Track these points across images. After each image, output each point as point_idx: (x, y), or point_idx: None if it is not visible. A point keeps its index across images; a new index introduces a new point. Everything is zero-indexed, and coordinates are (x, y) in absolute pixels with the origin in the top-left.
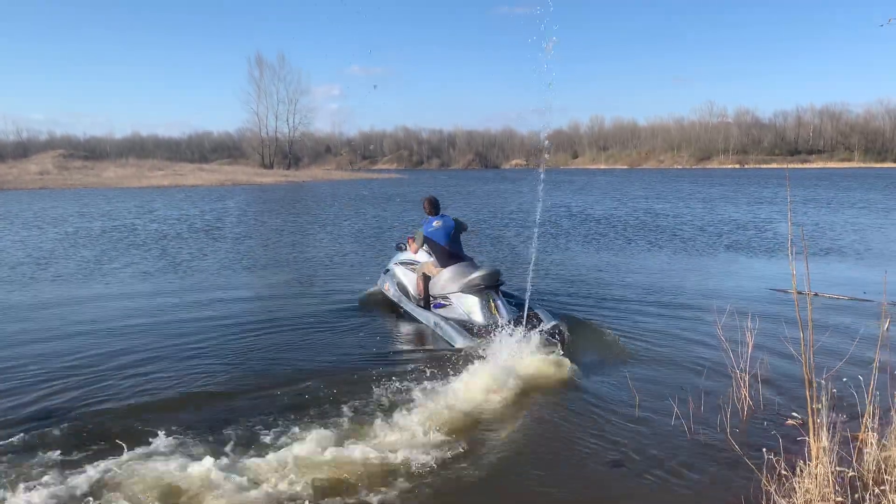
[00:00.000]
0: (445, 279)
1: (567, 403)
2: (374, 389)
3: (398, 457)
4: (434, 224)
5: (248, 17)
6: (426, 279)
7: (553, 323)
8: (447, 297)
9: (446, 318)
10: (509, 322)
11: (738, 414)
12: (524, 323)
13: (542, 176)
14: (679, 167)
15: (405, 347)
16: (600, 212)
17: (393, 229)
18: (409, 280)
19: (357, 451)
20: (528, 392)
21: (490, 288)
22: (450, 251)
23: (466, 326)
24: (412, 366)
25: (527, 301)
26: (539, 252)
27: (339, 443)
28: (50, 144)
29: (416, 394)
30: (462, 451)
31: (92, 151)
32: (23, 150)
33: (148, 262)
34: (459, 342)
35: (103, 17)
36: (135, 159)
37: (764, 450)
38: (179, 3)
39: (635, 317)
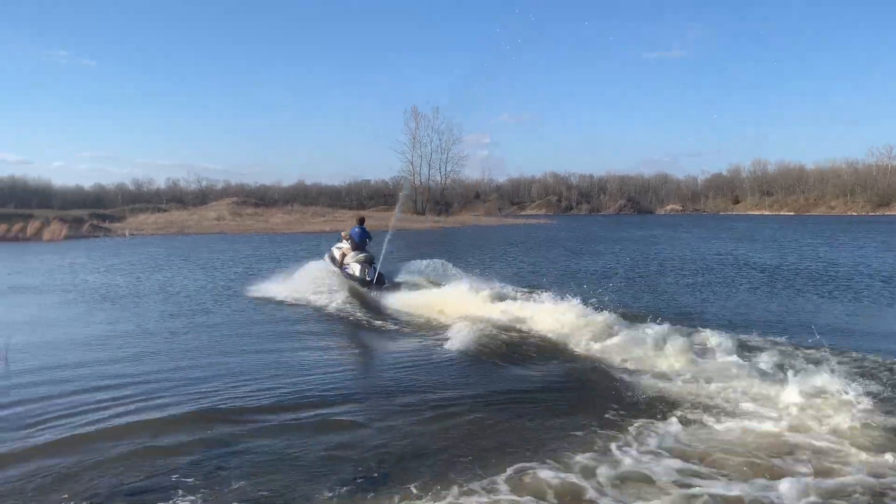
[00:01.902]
0: (350, 256)
1: None
2: None
3: None
4: (356, 231)
5: (408, 72)
6: (342, 255)
7: (380, 276)
8: (348, 265)
9: (347, 273)
10: (369, 277)
11: None
12: (374, 277)
13: None
14: (853, 213)
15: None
16: (767, 259)
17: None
18: (337, 255)
19: None
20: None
21: (366, 262)
22: (357, 244)
23: (353, 277)
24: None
25: (377, 269)
26: (703, 301)
27: None
28: (225, 192)
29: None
30: None
31: (262, 199)
32: (202, 197)
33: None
34: (347, 283)
35: (280, 78)
36: (299, 206)
37: None
38: (351, 69)
39: None
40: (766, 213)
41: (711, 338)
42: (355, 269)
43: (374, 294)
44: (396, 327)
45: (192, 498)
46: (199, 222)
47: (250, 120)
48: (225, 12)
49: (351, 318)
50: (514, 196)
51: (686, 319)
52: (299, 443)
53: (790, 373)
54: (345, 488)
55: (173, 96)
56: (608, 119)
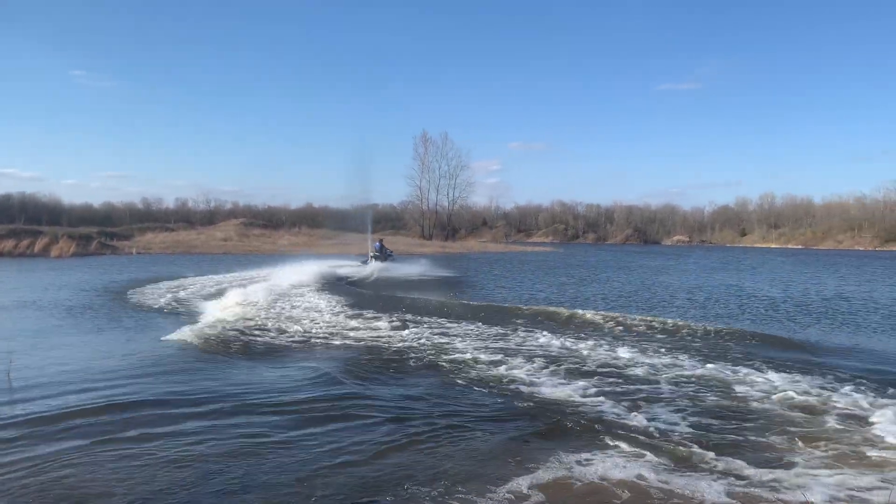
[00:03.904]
0: (370, 255)
1: None
2: None
3: None
4: (377, 245)
5: (417, 98)
6: (373, 256)
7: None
8: (371, 259)
9: (372, 258)
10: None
11: None
12: (384, 257)
13: None
14: (861, 248)
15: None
16: (776, 293)
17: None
18: (370, 254)
19: None
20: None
21: (380, 255)
22: (378, 250)
23: (375, 258)
24: None
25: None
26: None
27: None
28: (233, 213)
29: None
30: None
31: (269, 220)
32: (210, 217)
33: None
34: (370, 265)
35: (288, 102)
36: (307, 228)
37: None
38: (359, 93)
39: None
40: (774, 245)
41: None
42: (372, 256)
43: (385, 263)
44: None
45: None
46: (206, 242)
47: (260, 140)
48: (237, 33)
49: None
50: (520, 223)
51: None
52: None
53: None
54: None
55: (186, 115)
56: (616, 150)
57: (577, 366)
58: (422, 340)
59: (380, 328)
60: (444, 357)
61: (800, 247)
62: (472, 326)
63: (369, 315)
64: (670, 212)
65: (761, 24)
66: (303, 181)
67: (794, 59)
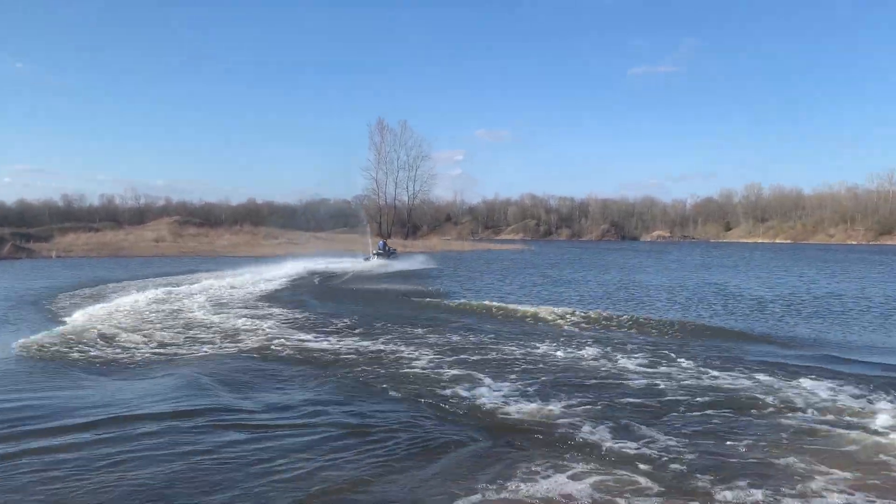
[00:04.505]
0: (374, 253)
1: None
2: None
3: None
4: (381, 244)
5: (375, 82)
6: (376, 253)
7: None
8: (373, 257)
9: (372, 260)
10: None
11: None
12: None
13: None
14: (853, 242)
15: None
16: (766, 292)
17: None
18: (373, 251)
19: None
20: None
21: (383, 253)
22: (381, 248)
23: (378, 255)
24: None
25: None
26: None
27: None
28: (166, 210)
29: None
30: None
31: (206, 218)
32: (139, 215)
33: None
34: (372, 261)
35: (228, 89)
36: (249, 226)
37: None
38: (307, 69)
39: None
40: (761, 240)
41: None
42: (375, 254)
43: (388, 259)
44: None
45: None
46: (135, 243)
47: (194, 132)
48: (164, 22)
49: None
50: (488, 219)
51: None
52: None
53: None
54: None
55: (109, 105)
56: (590, 138)
57: (525, 367)
58: (339, 345)
59: (306, 337)
60: (359, 362)
61: (789, 241)
62: (409, 328)
63: (301, 318)
64: (649, 205)
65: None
66: (245, 176)
67: (778, 39)
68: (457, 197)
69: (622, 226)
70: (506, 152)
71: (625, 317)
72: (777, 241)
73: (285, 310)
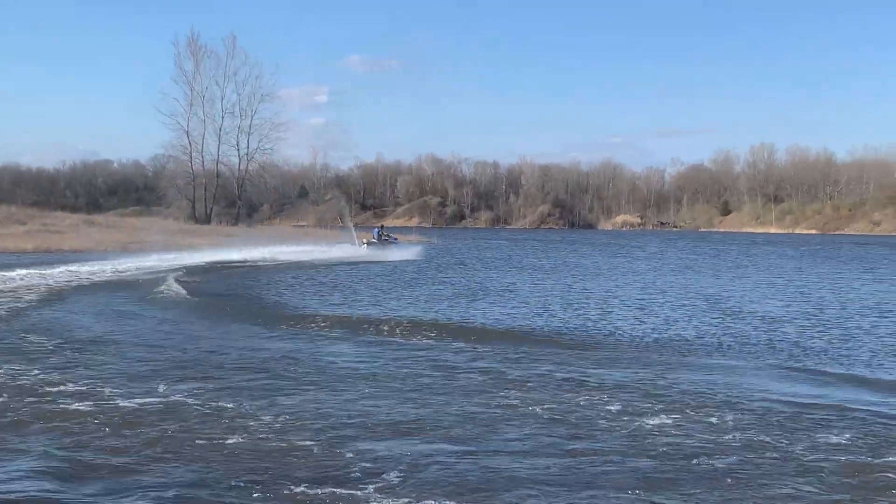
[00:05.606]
0: (367, 239)
1: None
2: None
3: None
4: (375, 231)
5: None
6: (368, 240)
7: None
8: (366, 245)
9: (364, 248)
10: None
11: None
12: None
13: None
14: None
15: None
16: None
17: None
18: (366, 240)
19: None
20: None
21: (377, 239)
22: (376, 236)
23: (370, 243)
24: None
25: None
26: None
27: None
28: None
29: None
30: None
31: None
32: None
33: None
34: (362, 249)
35: None
36: None
37: None
38: None
39: None
40: (774, 230)
41: None
42: (367, 243)
43: (381, 244)
44: None
45: None
46: None
47: None
48: None
49: None
50: (367, 194)
51: None
52: None
53: None
54: None
55: None
56: (518, 71)
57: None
58: None
59: None
60: None
61: (814, 232)
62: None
63: None
64: (612, 174)
65: None
66: None
67: None
68: (318, 159)
69: (570, 206)
70: (393, 92)
71: None
72: (797, 231)
73: None
